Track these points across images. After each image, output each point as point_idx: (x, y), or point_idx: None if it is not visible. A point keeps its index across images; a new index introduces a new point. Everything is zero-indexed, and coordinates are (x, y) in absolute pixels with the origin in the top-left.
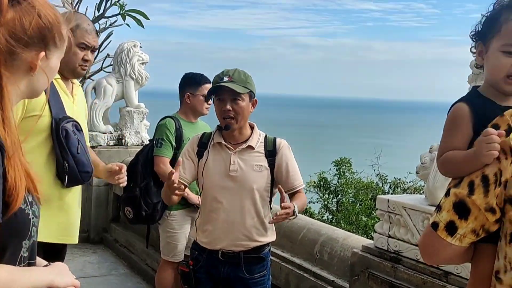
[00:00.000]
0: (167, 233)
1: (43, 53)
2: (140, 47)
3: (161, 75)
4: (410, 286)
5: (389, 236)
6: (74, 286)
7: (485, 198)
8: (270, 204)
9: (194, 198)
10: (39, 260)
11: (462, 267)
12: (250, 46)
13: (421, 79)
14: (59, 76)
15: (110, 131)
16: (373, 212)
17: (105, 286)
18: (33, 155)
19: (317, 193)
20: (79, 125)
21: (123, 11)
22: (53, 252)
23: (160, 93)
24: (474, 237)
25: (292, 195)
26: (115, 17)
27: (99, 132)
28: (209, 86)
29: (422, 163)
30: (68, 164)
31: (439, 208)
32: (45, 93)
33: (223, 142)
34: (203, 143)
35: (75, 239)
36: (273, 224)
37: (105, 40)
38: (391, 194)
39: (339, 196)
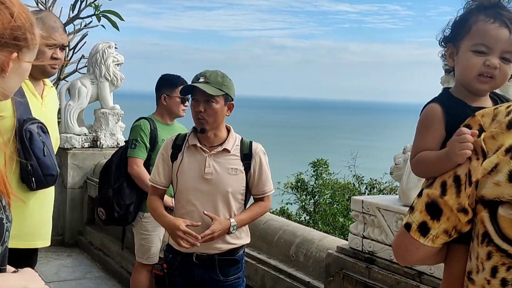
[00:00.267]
0: (141, 235)
1: (15, 54)
2: (115, 48)
3: (137, 76)
4: (384, 287)
5: (364, 237)
6: None
7: (457, 199)
8: (245, 207)
9: (168, 200)
10: (7, 266)
11: (435, 267)
12: (227, 47)
13: (397, 81)
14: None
15: (85, 133)
16: (350, 213)
17: None
18: None
19: (295, 194)
20: (45, 127)
21: (98, 12)
22: (23, 257)
23: (136, 94)
24: (447, 237)
25: (256, 200)
26: (90, 18)
27: (74, 134)
28: None
29: (396, 164)
30: (32, 166)
31: (412, 208)
32: None
33: (198, 145)
34: (178, 145)
35: (45, 242)
36: (247, 226)
37: (80, 41)
38: (368, 194)
39: (316, 197)
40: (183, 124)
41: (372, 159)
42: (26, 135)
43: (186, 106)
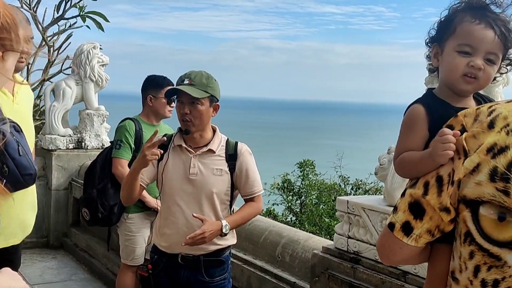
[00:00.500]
0: (125, 236)
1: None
2: (100, 48)
3: (122, 77)
4: (369, 286)
5: (349, 237)
6: None
7: (438, 198)
8: (231, 207)
9: (152, 201)
10: None
11: (420, 267)
12: (213, 48)
13: (382, 82)
14: None
15: (70, 134)
16: (336, 213)
17: None
18: None
19: (281, 195)
20: (18, 125)
21: (83, 12)
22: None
23: (122, 95)
24: (430, 237)
25: (246, 201)
26: (74, 18)
27: (58, 135)
28: None
29: (380, 165)
30: (8, 167)
31: (395, 208)
32: None
33: (184, 145)
34: (164, 145)
35: (16, 240)
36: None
37: (64, 41)
38: (353, 195)
39: (303, 197)
40: (169, 125)
41: (358, 159)
42: None
43: (172, 107)
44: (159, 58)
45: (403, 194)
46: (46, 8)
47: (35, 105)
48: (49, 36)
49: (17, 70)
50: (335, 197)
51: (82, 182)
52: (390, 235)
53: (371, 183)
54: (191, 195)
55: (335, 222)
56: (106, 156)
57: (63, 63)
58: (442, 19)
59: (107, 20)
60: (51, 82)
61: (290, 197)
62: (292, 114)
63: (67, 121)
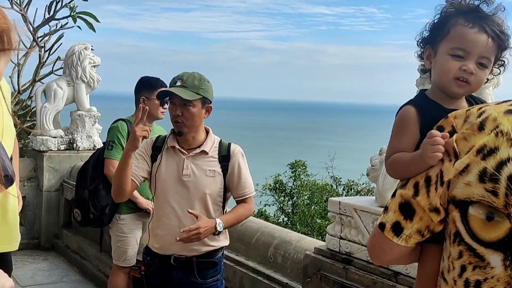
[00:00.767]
0: (117, 237)
1: None
2: (92, 49)
3: (114, 78)
4: (361, 287)
5: (341, 238)
6: None
7: (428, 199)
8: (224, 209)
9: (143, 202)
10: None
11: (411, 267)
12: (205, 49)
13: (373, 83)
14: None
15: (61, 135)
16: (328, 214)
17: None
18: None
19: (273, 195)
20: None
21: (74, 13)
22: None
23: (113, 96)
24: (420, 237)
25: (238, 203)
26: (66, 19)
27: (50, 136)
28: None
29: (372, 165)
30: None
31: (386, 209)
32: None
33: (177, 146)
34: (157, 146)
35: (12, 247)
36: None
37: (55, 42)
38: (345, 196)
39: (295, 198)
40: (162, 126)
41: (350, 160)
42: None
43: (165, 108)
44: (151, 59)
45: (393, 195)
46: (37, 8)
47: (26, 106)
48: (40, 37)
49: None
50: (327, 198)
51: (74, 183)
52: (380, 235)
53: (363, 184)
54: (184, 196)
55: (327, 223)
56: (99, 157)
57: (54, 64)
58: (436, 21)
59: (98, 21)
60: (42, 83)
61: (282, 198)
62: (284, 115)
63: (58, 122)
